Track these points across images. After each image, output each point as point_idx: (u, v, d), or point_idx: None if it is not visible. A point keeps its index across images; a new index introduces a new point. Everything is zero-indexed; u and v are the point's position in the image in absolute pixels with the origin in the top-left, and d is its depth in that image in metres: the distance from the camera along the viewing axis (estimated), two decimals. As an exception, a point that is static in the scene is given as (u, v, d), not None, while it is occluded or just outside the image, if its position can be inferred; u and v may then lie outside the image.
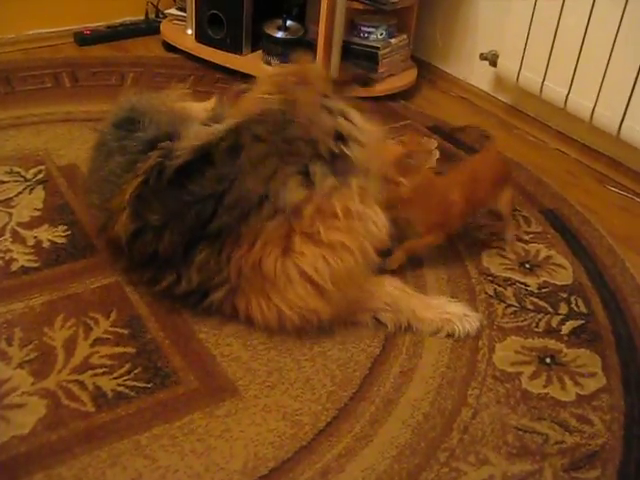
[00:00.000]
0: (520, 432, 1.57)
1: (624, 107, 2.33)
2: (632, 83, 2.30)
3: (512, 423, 1.59)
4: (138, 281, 1.84)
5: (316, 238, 1.66)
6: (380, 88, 2.88)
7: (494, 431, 1.57)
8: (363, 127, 1.75)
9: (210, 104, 2.29)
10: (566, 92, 2.50)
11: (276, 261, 1.66)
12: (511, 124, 2.86)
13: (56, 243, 2.00)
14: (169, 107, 2.00)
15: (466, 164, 2.13)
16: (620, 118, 2.35)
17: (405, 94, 2.97)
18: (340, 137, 1.69)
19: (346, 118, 1.72)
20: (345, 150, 1.69)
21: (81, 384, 1.60)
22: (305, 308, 1.69)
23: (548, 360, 1.76)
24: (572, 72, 2.47)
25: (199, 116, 1.98)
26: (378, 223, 1.74)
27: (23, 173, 2.29)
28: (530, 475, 1.48)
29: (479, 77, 2.97)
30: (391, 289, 1.79)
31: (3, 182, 2.24)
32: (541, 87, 2.58)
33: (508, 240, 2.13)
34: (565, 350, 1.79)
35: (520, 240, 2.15)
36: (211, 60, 3.03)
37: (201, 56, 3.07)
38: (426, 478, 1.46)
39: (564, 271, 2.06)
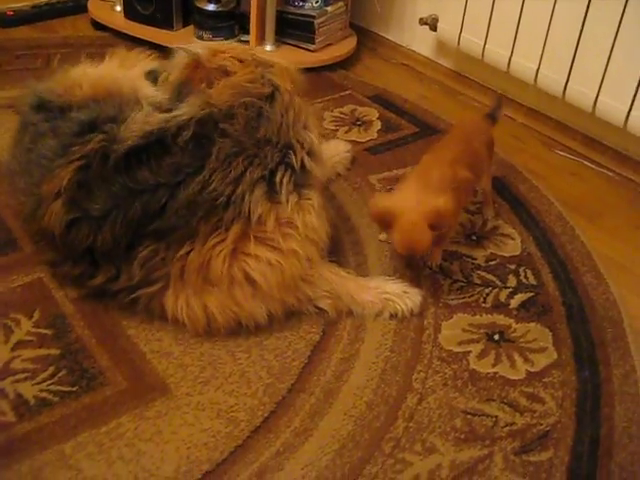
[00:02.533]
0: (469, 416, 1.50)
1: (568, 67, 2.26)
2: (575, 42, 2.22)
3: (460, 407, 1.52)
4: (66, 276, 1.72)
5: (272, 244, 1.60)
6: (318, 58, 2.77)
7: (441, 416, 1.49)
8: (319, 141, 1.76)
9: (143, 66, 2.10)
10: (508, 54, 2.42)
11: (224, 262, 1.57)
12: (455, 90, 2.77)
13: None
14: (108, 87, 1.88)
15: (457, 133, 1.97)
16: (565, 79, 2.28)
17: (345, 63, 2.86)
18: (309, 152, 1.68)
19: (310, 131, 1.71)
20: (311, 165, 1.68)
21: (1, 392, 1.50)
22: (240, 312, 1.62)
23: (497, 337, 1.69)
24: (514, 33, 2.38)
25: (150, 98, 1.82)
26: (327, 233, 1.72)
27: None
28: (479, 461, 1.41)
29: (420, 43, 2.88)
30: (329, 275, 1.70)
31: None
32: (483, 50, 2.49)
33: (490, 217, 2.07)
34: (514, 325, 1.72)
35: (466, 211, 2.07)
36: (142, 37, 2.90)
37: (131, 33, 2.93)
38: (370, 472, 1.38)
39: (512, 242, 1.98)
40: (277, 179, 1.60)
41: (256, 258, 1.58)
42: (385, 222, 1.65)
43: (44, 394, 1.50)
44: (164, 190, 1.56)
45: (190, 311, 1.60)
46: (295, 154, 1.64)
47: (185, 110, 1.61)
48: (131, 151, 1.58)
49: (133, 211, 1.56)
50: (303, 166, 1.66)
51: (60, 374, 1.54)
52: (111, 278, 1.63)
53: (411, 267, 1.68)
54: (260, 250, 1.58)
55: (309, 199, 1.66)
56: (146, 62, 2.06)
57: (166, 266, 1.59)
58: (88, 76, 1.92)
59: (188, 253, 1.57)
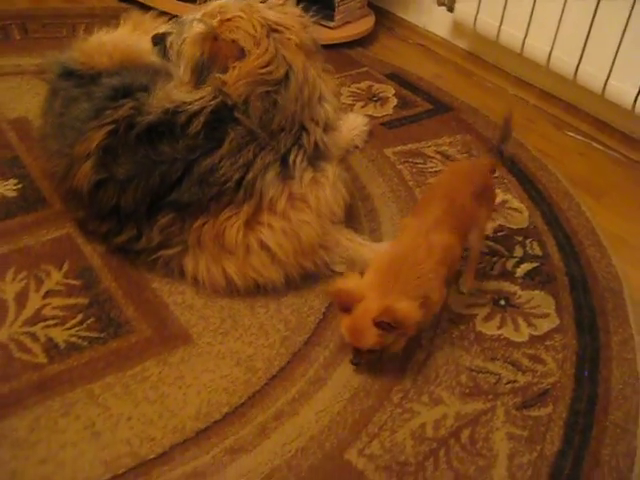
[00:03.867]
0: (473, 372, 1.59)
1: (580, 50, 2.33)
2: (588, 25, 2.28)
3: (465, 364, 1.60)
4: (95, 232, 1.81)
5: (286, 215, 1.66)
6: (337, 35, 2.85)
7: (448, 372, 1.58)
8: (336, 108, 1.78)
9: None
10: (523, 36, 2.48)
11: (238, 232, 1.64)
12: (470, 71, 2.84)
13: (6, 197, 1.96)
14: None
15: (439, 189, 1.72)
16: (577, 61, 2.35)
17: (363, 42, 2.93)
18: (325, 128, 1.71)
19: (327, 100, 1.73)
20: (326, 140, 1.72)
21: (33, 336, 1.59)
22: (259, 278, 1.70)
23: (502, 302, 1.77)
24: (528, 15, 2.45)
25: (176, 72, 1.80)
26: (344, 202, 1.78)
27: (-29, 130, 2.24)
28: (483, 414, 1.50)
29: (437, 24, 2.94)
30: (344, 241, 1.78)
31: (-48, 140, 2.19)
32: (498, 32, 2.56)
33: (465, 291, 1.80)
34: (519, 292, 1.80)
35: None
36: (166, 10, 2.96)
37: (155, 6, 3.00)
38: (380, 419, 1.47)
39: (520, 215, 2.06)
40: (291, 160, 1.66)
41: (270, 227, 1.65)
42: (342, 305, 1.49)
43: (73, 339, 1.59)
44: (180, 164, 1.63)
45: (210, 275, 1.69)
46: (309, 134, 1.69)
47: (198, 97, 1.64)
48: (151, 126, 1.65)
49: (153, 179, 1.64)
50: (318, 144, 1.71)
51: (88, 321, 1.63)
52: (133, 238, 1.72)
53: (355, 354, 1.53)
54: (274, 220, 1.65)
55: (324, 173, 1.72)
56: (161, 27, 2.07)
57: (183, 234, 1.67)
58: (106, 44, 1.98)
59: (203, 225, 1.65)
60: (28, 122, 2.27)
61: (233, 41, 1.65)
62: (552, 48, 2.41)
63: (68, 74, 1.92)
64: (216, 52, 1.65)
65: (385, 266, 1.51)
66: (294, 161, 1.66)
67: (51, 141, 1.85)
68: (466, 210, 1.63)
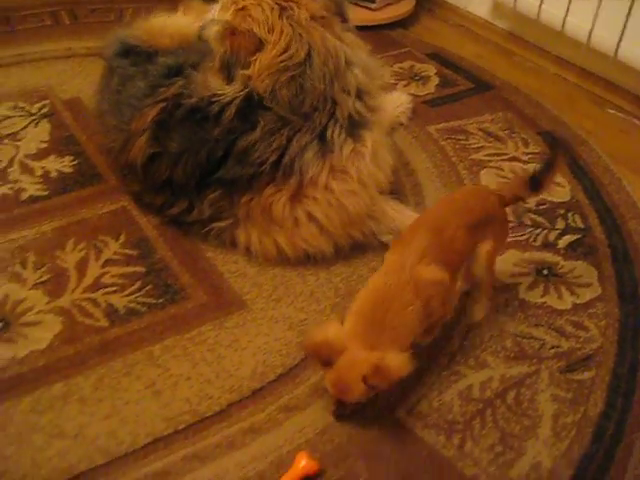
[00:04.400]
0: (518, 338, 1.63)
1: (621, 27, 2.34)
2: (630, 2, 2.30)
3: (510, 330, 1.65)
4: (150, 205, 1.89)
5: (330, 187, 1.72)
6: (378, 17, 2.89)
7: (493, 337, 1.63)
8: (372, 72, 1.80)
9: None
10: (563, 15, 2.51)
11: (284, 206, 1.70)
12: (510, 51, 2.86)
13: (64, 173, 2.04)
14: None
15: (428, 218, 1.58)
16: (617, 39, 2.37)
17: (404, 23, 2.98)
18: (358, 94, 1.74)
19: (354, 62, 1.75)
20: (361, 108, 1.74)
21: (94, 302, 1.67)
22: (308, 248, 1.76)
23: (545, 272, 1.81)
24: (569, -6, 2.48)
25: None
26: (386, 170, 1.82)
27: (28, 108, 2.32)
28: (527, 377, 1.55)
29: (477, 4, 2.97)
30: (392, 212, 1.84)
31: (9, 117, 2.28)
32: (538, 11, 2.58)
33: (476, 320, 1.68)
34: (562, 262, 1.84)
35: (518, 160, 2.18)
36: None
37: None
38: (428, 380, 1.53)
39: (562, 189, 2.10)
40: (328, 135, 1.70)
41: (315, 200, 1.71)
42: (323, 360, 1.36)
43: (132, 305, 1.66)
44: (223, 144, 1.69)
45: (262, 246, 1.75)
46: (342, 107, 1.71)
47: (229, 90, 1.68)
48: (193, 108, 1.72)
49: (200, 156, 1.71)
50: (352, 115, 1.73)
51: (146, 288, 1.71)
52: (185, 210, 1.79)
53: (339, 406, 1.44)
54: (318, 193, 1.70)
55: (364, 143, 1.74)
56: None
57: (232, 209, 1.74)
58: (169, 27, 2.04)
59: (250, 200, 1.71)
60: (81, 102, 2.35)
61: (249, 31, 1.67)
62: (593, 26, 2.43)
63: (126, 52, 1.99)
64: (237, 48, 1.67)
65: (368, 311, 1.38)
66: (332, 136, 1.70)
67: (109, 117, 1.92)
68: (455, 243, 1.47)
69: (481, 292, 1.65)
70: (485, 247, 1.54)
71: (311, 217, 1.72)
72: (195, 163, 1.72)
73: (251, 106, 1.67)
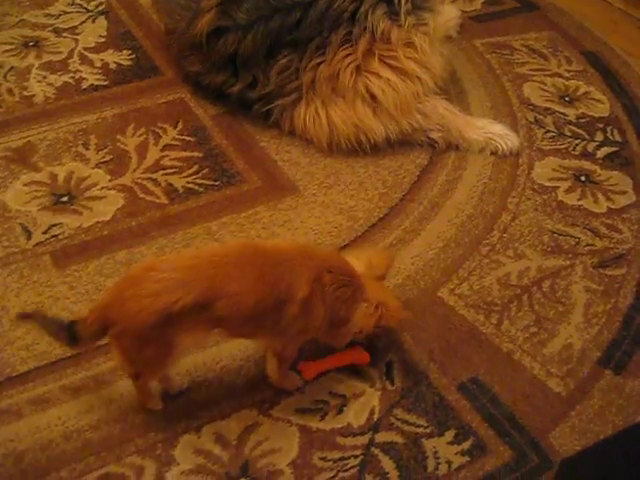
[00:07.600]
0: (555, 235, 1.72)
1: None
2: None
3: (548, 227, 1.74)
4: (209, 86, 1.96)
5: (392, 64, 1.80)
6: None
7: (531, 232, 1.72)
8: None
9: None
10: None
11: (351, 75, 1.78)
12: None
13: (122, 65, 2.12)
14: None
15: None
16: (665, -37, 2.40)
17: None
18: None
19: None
20: None
21: (154, 181, 1.76)
22: (360, 125, 1.83)
23: (583, 178, 1.89)
24: None
25: None
26: (441, 62, 1.90)
27: (85, 5, 2.39)
28: (563, 269, 1.64)
29: None
30: (442, 109, 1.91)
31: (66, 12, 2.34)
32: None
33: None
34: (599, 171, 1.92)
35: (560, 76, 2.24)
36: None
37: None
38: (469, 266, 1.62)
39: (601, 105, 2.16)
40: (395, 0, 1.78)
41: (377, 76, 1.79)
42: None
43: (191, 185, 1.76)
44: (299, 7, 1.77)
45: (317, 120, 1.83)
46: None
47: None
48: None
49: (273, 23, 1.79)
50: None
51: (203, 171, 1.80)
52: (248, 86, 1.87)
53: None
54: (382, 69, 1.79)
55: (425, 23, 1.83)
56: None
57: (299, 78, 1.82)
58: None
59: (319, 64, 1.79)
60: (136, 0, 2.41)
61: None
62: (642, -51, 2.46)
63: None
64: None
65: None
66: (399, 1, 1.78)
67: None
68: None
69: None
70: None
71: (369, 91, 1.80)
72: (266, 31, 1.79)
73: None
